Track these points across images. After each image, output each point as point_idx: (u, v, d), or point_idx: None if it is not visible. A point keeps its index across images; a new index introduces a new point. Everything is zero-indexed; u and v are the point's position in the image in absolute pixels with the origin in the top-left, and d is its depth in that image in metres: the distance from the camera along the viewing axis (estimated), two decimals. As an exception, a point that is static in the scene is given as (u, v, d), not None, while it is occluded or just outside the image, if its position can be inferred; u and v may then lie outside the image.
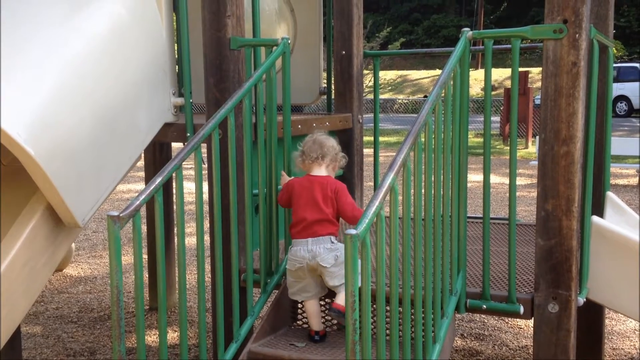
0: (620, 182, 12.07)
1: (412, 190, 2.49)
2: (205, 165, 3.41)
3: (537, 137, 2.92)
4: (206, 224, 3.70)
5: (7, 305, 2.84)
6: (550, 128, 2.78)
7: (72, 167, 3.01)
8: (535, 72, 26.70)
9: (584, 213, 3.04)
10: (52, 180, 2.87)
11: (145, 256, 6.02)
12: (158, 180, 2.65)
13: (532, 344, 3.04)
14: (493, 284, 3.15)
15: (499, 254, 3.67)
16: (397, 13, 46.75)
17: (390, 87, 32.98)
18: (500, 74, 29.83)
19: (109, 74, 3.27)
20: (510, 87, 2.96)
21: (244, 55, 3.48)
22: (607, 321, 4.94)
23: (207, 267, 4.30)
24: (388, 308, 2.59)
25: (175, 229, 2.85)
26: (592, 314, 4.01)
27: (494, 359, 4.61)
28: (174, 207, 5.60)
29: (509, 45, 2.96)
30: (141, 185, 10.95)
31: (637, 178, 11.97)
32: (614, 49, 3.71)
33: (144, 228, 6.52)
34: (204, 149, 3.31)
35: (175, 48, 3.84)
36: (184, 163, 2.81)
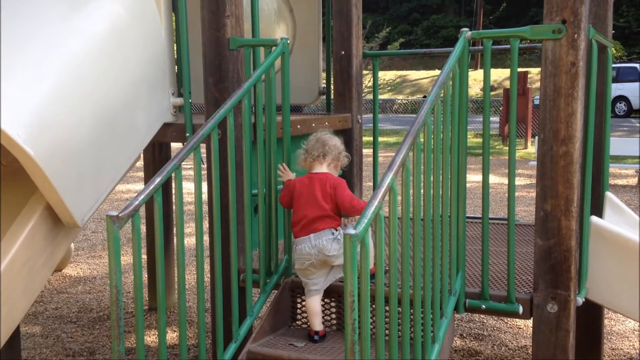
0: (620, 182, 12.08)
1: (412, 191, 2.49)
2: (205, 166, 3.41)
3: (536, 137, 2.93)
4: (205, 224, 3.69)
5: (7, 305, 2.84)
6: (549, 128, 2.78)
7: (71, 167, 3.01)
8: (534, 72, 26.70)
9: (583, 213, 3.04)
10: (51, 180, 2.87)
11: (144, 256, 6.02)
12: (157, 180, 2.65)
13: (531, 344, 3.05)
14: (492, 284, 3.15)
15: (498, 254, 3.67)
16: (396, 13, 46.76)
17: (389, 88, 32.99)
18: (500, 75, 29.85)
19: (108, 74, 3.27)
20: (509, 87, 2.97)
21: (243, 55, 3.48)
22: (606, 321, 4.94)
23: (207, 267, 4.30)
24: (387, 308, 2.59)
25: (175, 229, 2.85)
26: (592, 314, 4.01)
27: (493, 359, 4.62)
28: (173, 207, 5.60)
29: (508, 46, 2.97)
30: (140, 186, 10.95)
31: (637, 178, 11.98)
32: (613, 49, 3.71)
33: (143, 228, 6.52)
34: (203, 149, 3.32)
35: (175, 48, 3.84)
36: (183, 163, 2.81)
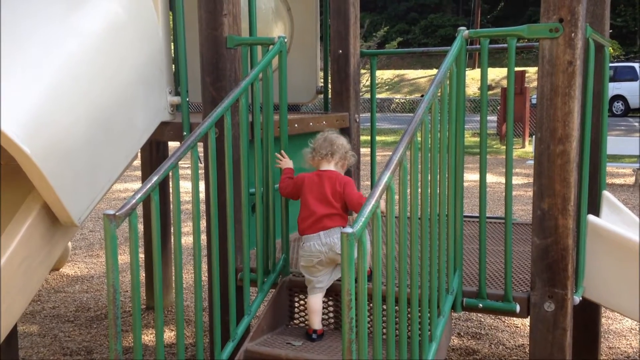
0: (617, 181, 12.10)
1: (409, 189, 2.50)
2: (202, 164, 3.41)
3: (534, 136, 2.93)
4: (203, 223, 3.69)
5: (4, 303, 2.84)
6: (546, 127, 2.79)
7: (68, 166, 3.01)
8: (532, 71, 26.72)
9: (580, 212, 3.05)
10: (48, 179, 2.87)
11: (142, 255, 6.02)
12: (154, 179, 2.65)
13: (528, 343, 3.05)
14: (489, 282, 3.15)
15: (496, 253, 3.68)
16: (394, 12, 46.76)
17: (387, 87, 32.98)
18: (498, 74, 29.86)
19: (105, 73, 3.26)
20: (506, 86, 2.97)
21: (240, 54, 3.48)
22: (603, 320, 4.95)
23: (204, 266, 4.30)
24: (385, 307, 2.59)
25: (172, 228, 2.85)
26: (589, 313, 4.02)
27: (491, 358, 4.62)
28: (171, 206, 5.59)
29: (505, 45, 2.97)
30: (138, 184, 10.93)
31: (634, 177, 12.00)
32: (610, 48, 3.71)
33: (140, 227, 6.51)
34: (200, 148, 3.31)
35: (172, 47, 3.84)
36: (180, 162, 2.81)
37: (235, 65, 3.46)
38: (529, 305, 2.91)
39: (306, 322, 3.33)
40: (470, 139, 17.35)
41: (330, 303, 3.32)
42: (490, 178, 11.15)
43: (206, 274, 3.72)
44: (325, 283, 3.14)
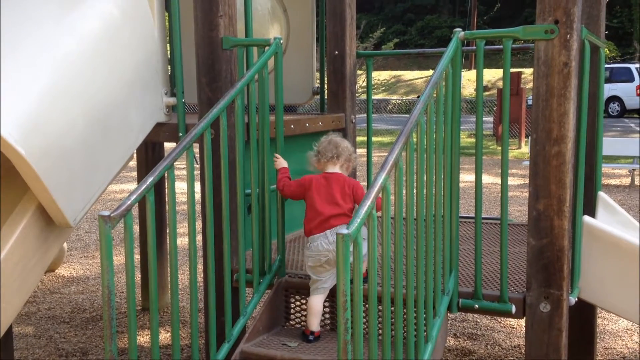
0: (613, 182, 12.12)
1: (405, 190, 2.50)
2: (198, 165, 3.40)
3: (530, 137, 2.94)
4: (199, 224, 3.69)
5: (-2, 306, 2.83)
6: (542, 128, 2.79)
7: (63, 167, 3.00)
8: (528, 72, 26.75)
9: (576, 213, 3.05)
10: (43, 180, 2.87)
11: (138, 256, 6.01)
12: (149, 180, 2.65)
13: (524, 344, 3.05)
14: (485, 283, 3.15)
15: (491, 254, 3.68)
16: (390, 14, 46.76)
17: (384, 88, 32.99)
18: (494, 75, 29.88)
19: (100, 74, 3.26)
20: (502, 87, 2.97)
21: (236, 55, 3.48)
22: (599, 320, 4.96)
23: (200, 267, 4.30)
24: (380, 308, 2.59)
25: (168, 229, 2.86)
26: (585, 314, 4.02)
27: (487, 359, 4.62)
28: (167, 206, 5.59)
29: (501, 46, 2.97)
30: (134, 185, 10.92)
31: (629, 178, 12.02)
32: (606, 49, 3.72)
33: (136, 228, 6.50)
34: (196, 149, 3.31)
35: (168, 48, 3.84)
36: (177, 163, 2.81)
37: (231, 67, 3.46)
38: (525, 306, 2.91)
39: (302, 323, 3.33)
40: (466, 139, 17.37)
41: (327, 304, 3.31)
42: (487, 179, 11.17)
43: (202, 275, 3.72)
44: (329, 284, 3.14)
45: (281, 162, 3.34)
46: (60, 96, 3.02)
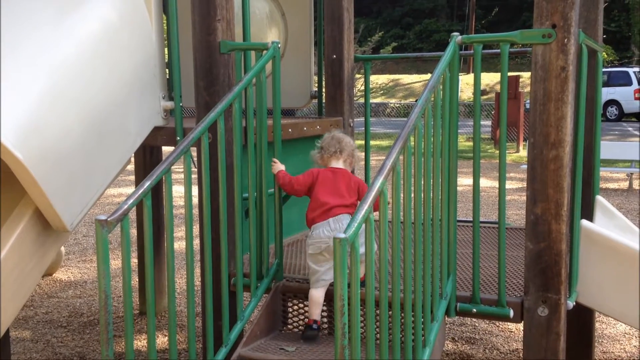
0: (611, 186, 12.12)
1: (402, 194, 2.49)
2: (195, 169, 3.40)
3: (528, 141, 2.94)
4: (196, 228, 3.68)
5: (-5, 310, 2.82)
6: (540, 132, 2.79)
7: (61, 171, 3.00)
8: (526, 76, 26.77)
9: (574, 217, 3.05)
10: (40, 184, 2.86)
11: (135, 260, 6.00)
12: (147, 184, 2.64)
13: (522, 348, 3.05)
14: (483, 287, 3.15)
15: (489, 258, 3.68)
16: (389, 17, 46.80)
17: (382, 91, 33.02)
18: (492, 78, 29.93)
19: (98, 77, 3.25)
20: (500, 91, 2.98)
21: (234, 59, 3.47)
22: (597, 324, 4.95)
23: (197, 271, 4.30)
24: (377, 312, 2.59)
25: (165, 233, 2.86)
26: (583, 318, 4.02)
27: (485, 363, 4.62)
28: (164, 210, 5.58)
29: (498, 50, 2.98)
30: (132, 189, 10.91)
31: (627, 182, 12.02)
32: (604, 53, 3.72)
33: (134, 232, 6.49)
34: (194, 153, 3.31)
35: (165, 52, 3.83)
36: (174, 167, 2.80)
37: (228, 70, 3.45)
38: (523, 310, 2.91)
39: (300, 327, 3.32)
40: (464, 143, 17.39)
41: (324, 308, 3.31)
42: (485, 182, 11.17)
43: (199, 279, 3.71)
44: (329, 276, 3.13)
45: (279, 167, 3.35)
46: (58, 100, 3.02)
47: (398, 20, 46.69)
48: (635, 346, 4.86)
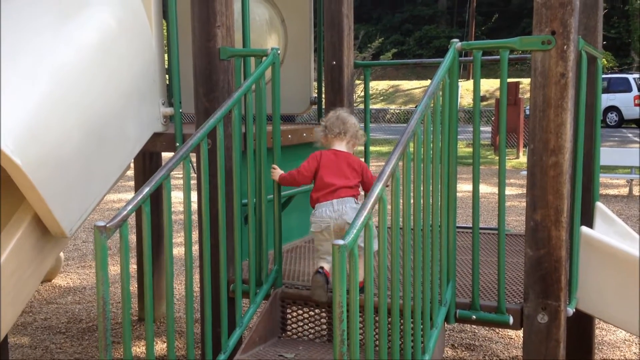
0: (611, 192, 12.12)
1: (401, 200, 2.49)
2: (195, 175, 3.39)
3: (527, 147, 2.94)
4: (195, 234, 3.68)
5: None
6: (539, 139, 2.79)
7: (60, 177, 2.99)
8: (526, 82, 26.77)
9: (573, 223, 3.04)
10: (39, 189, 2.86)
11: (135, 266, 5.99)
12: (145, 190, 2.64)
13: (522, 355, 3.04)
14: (482, 294, 3.14)
15: (489, 264, 3.67)
16: (389, 24, 46.89)
17: (382, 97, 33.05)
18: (492, 85, 29.96)
19: (97, 84, 3.26)
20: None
21: (233, 66, 3.48)
22: (597, 331, 4.94)
23: (196, 277, 4.29)
24: (377, 318, 2.58)
25: (164, 239, 2.86)
26: (583, 324, 4.01)
27: (485, 370, 4.61)
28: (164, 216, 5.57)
29: (498, 57, 2.98)
30: (132, 195, 10.91)
31: (627, 188, 12.02)
32: (604, 60, 3.73)
33: (133, 238, 6.48)
34: (194, 159, 3.30)
35: (165, 58, 3.84)
36: (174, 172, 2.80)
37: (228, 77, 3.46)
38: (522, 317, 2.90)
39: (299, 334, 3.31)
40: (464, 149, 17.39)
41: (324, 314, 3.30)
42: (485, 188, 11.16)
43: (198, 285, 3.71)
44: (331, 259, 3.14)
45: (278, 173, 3.35)
46: (57, 106, 3.02)
47: (398, 26, 46.77)
48: (635, 353, 4.85)
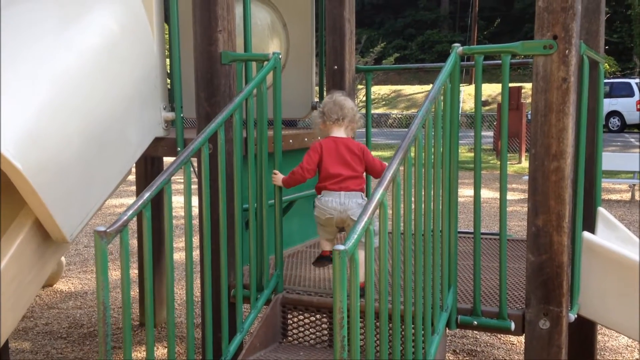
0: (613, 197, 12.09)
1: (402, 205, 2.48)
2: (196, 179, 3.39)
3: (529, 152, 2.94)
4: (196, 239, 3.67)
5: (-7, 321, 2.81)
6: (541, 143, 2.78)
7: (61, 182, 2.99)
8: (528, 87, 26.77)
9: (575, 228, 3.03)
10: (40, 194, 2.85)
11: (136, 271, 5.98)
12: (146, 195, 2.64)
13: (524, 361, 3.03)
14: (484, 299, 3.13)
15: (490, 270, 3.66)
16: (391, 28, 46.92)
17: (384, 102, 33.05)
18: (494, 89, 29.96)
19: (98, 88, 3.26)
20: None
21: (235, 70, 3.47)
22: (599, 337, 4.92)
23: (197, 282, 4.28)
24: (377, 324, 2.57)
25: (165, 244, 2.85)
26: (584, 330, 3.99)
27: (487, 375, 4.59)
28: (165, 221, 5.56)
29: (500, 61, 2.97)
30: (133, 199, 10.90)
31: (630, 193, 11.99)
32: (606, 64, 3.72)
33: (134, 243, 6.48)
34: (195, 164, 3.30)
35: (167, 62, 3.84)
36: (175, 177, 2.79)
37: (229, 81, 3.45)
38: (524, 322, 2.89)
39: (299, 340, 3.30)
40: (466, 154, 17.38)
41: (325, 319, 3.29)
42: (487, 193, 11.15)
43: (199, 290, 3.70)
44: (330, 247, 3.23)
45: (279, 178, 3.34)
46: (58, 111, 3.02)
47: (400, 31, 46.79)
48: (637, 359, 4.83)
